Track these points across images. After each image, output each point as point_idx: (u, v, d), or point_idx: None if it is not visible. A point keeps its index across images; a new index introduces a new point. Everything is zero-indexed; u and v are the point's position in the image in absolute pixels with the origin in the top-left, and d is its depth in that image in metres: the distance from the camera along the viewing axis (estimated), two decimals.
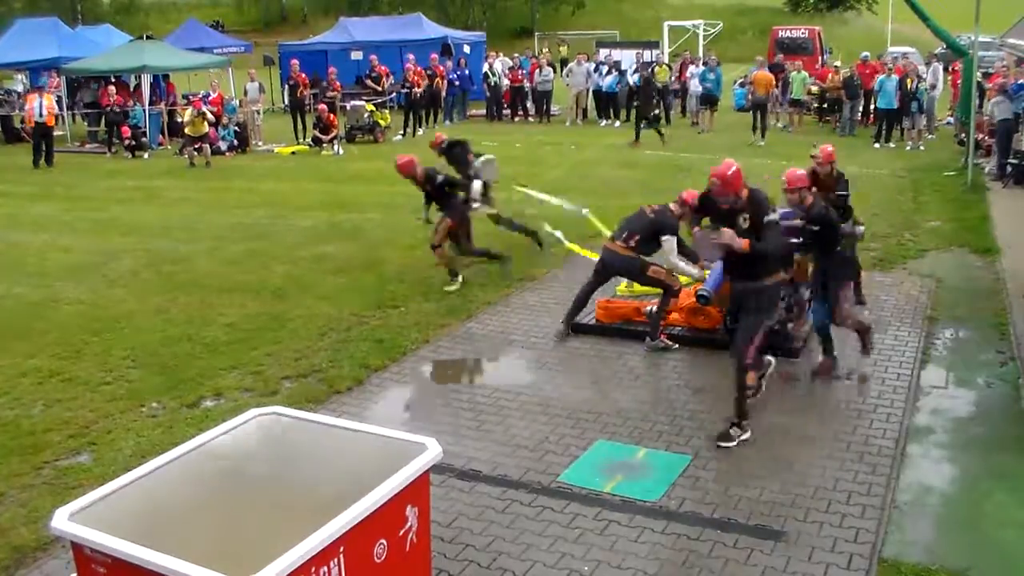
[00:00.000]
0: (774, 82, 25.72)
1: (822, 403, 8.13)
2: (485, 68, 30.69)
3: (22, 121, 26.98)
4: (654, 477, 6.82)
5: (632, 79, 27.83)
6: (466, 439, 7.45)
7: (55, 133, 25.55)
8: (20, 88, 28.61)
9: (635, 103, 25.73)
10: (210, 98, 26.86)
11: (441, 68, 28.99)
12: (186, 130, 23.33)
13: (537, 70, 30.06)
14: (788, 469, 6.89)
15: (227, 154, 24.69)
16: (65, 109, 29.04)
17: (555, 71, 31.71)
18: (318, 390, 8.51)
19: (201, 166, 22.47)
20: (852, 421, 7.68)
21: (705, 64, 28.31)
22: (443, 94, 29.05)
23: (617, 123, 28.80)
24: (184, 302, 11.39)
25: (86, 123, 29.70)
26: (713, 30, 40.92)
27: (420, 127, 27.58)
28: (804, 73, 26.53)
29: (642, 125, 24.37)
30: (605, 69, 28.95)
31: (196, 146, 22.99)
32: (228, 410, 7.85)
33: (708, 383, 8.52)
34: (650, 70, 27.03)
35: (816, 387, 8.50)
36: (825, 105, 27.05)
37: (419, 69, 27.65)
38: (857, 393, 8.29)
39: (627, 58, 30.87)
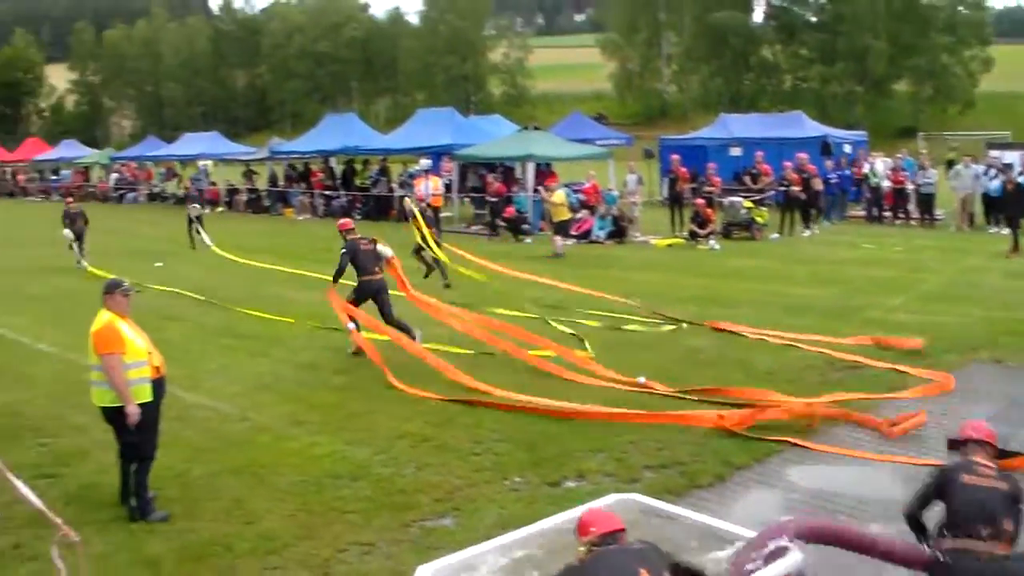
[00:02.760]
0: None
1: None
2: (866, 169, 29.78)
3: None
4: None
5: (994, 183, 26.05)
6: (821, 549, 7.02)
7: (444, 214, 27.54)
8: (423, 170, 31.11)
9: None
10: (583, 187, 28.03)
11: (814, 167, 28.35)
12: (550, 213, 24.24)
13: (920, 171, 28.78)
14: None
15: (605, 243, 25.50)
16: (455, 192, 31.32)
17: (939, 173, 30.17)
18: (678, 483, 8.46)
19: (571, 255, 23.13)
20: None
21: None
22: (821, 193, 28.33)
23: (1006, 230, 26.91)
24: (546, 383, 11.75)
25: (472, 206, 31.85)
26: None
27: (804, 228, 27.00)
28: None
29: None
30: (993, 172, 27.15)
31: (565, 233, 23.78)
32: (588, 492, 7.99)
33: None
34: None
35: None
36: None
37: (811, 168, 27.27)
38: None
39: (1019, 160, 28.89)
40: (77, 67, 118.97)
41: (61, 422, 10.93)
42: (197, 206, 28.45)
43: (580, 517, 5.12)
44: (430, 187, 26.48)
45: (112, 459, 8.50)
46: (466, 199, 32.72)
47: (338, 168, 38.45)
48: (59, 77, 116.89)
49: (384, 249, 13.86)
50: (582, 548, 4.91)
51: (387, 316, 13.50)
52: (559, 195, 24.04)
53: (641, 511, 5.85)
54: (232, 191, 42.46)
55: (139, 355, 7.98)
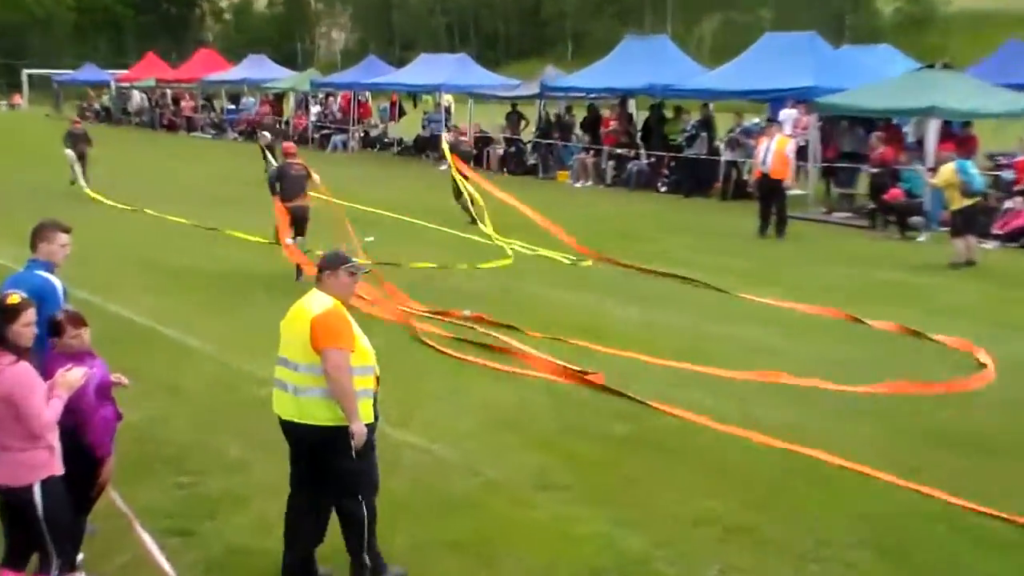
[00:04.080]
0: None
1: None
2: None
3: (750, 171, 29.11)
4: None
5: None
6: None
7: (793, 192, 27.10)
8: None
9: None
10: (1013, 160, 26.97)
11: None
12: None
13: None
14: None
15: None
16: (812, 160, 30.70)
17: None
18: None
19: (990, 263, 22.23)
20: None
21: None
22: None
23: None
24: (941, 464, 11.31)
25: (833, 182, 31.23)
26: None
27: None
28: None
29: None
30: None
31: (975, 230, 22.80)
32: None
33: None
34: None
35: None
36: None
37: None
38: None
39: None
40: None
41: (209, 454, 11.39)
42: (267, 134, 36.84)
43: None
44: (772, 150, 25.97)
45: (277, 510, 8.71)
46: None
47: (639, 116, 38.63)
48: None
49: (315, 176, 20.55)
50: None
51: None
52: (946, 171, 22.90)
53: None
54: (483, 140, 42.73)
55: (365, 359, 8.16)
